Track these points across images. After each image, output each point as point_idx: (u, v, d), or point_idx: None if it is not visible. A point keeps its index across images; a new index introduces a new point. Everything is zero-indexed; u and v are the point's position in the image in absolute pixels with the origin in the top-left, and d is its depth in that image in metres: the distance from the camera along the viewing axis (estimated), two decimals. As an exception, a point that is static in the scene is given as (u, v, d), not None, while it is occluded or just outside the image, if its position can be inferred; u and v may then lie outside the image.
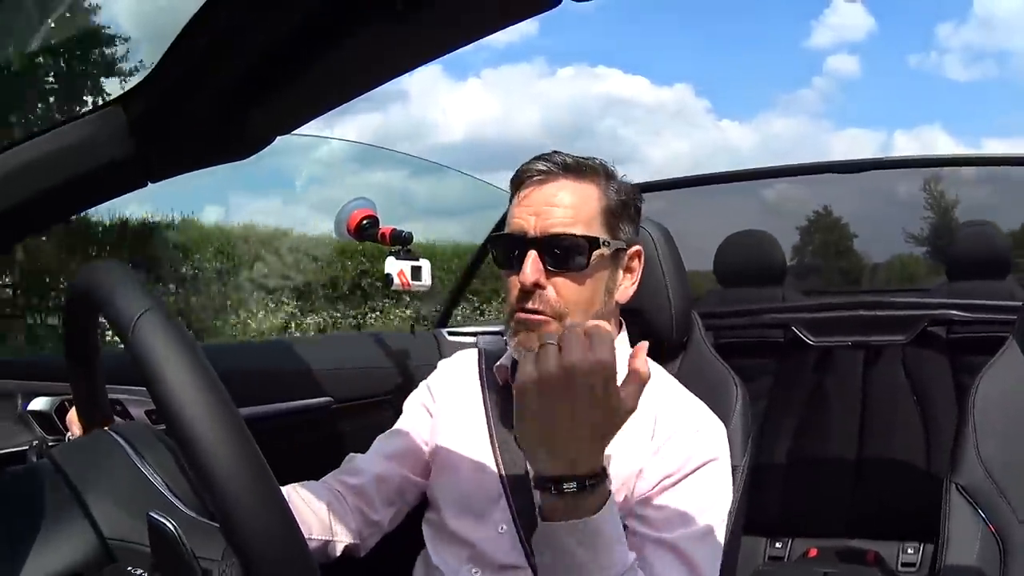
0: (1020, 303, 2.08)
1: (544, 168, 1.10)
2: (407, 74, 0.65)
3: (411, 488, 1.21)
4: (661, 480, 1.04)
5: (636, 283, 1.16)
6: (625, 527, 0.97)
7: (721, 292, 2.83)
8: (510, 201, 1.15)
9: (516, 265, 1.07)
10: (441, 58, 0.61)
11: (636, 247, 1.15)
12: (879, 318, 2.16)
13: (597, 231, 1.09)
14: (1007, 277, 2.68)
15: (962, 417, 1.38)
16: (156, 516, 0.58)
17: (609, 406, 0.81)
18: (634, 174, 1.26)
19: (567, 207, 1.07)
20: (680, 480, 1.04)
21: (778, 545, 2.24)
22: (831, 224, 7.86)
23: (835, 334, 2.19)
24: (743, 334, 2.24)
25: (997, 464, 1.32)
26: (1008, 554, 1.26)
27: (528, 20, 0.55)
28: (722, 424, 1.13)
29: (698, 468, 1.05)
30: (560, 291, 1.06)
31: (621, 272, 1.14)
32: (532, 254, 1.06)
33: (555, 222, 1.06)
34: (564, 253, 1.06)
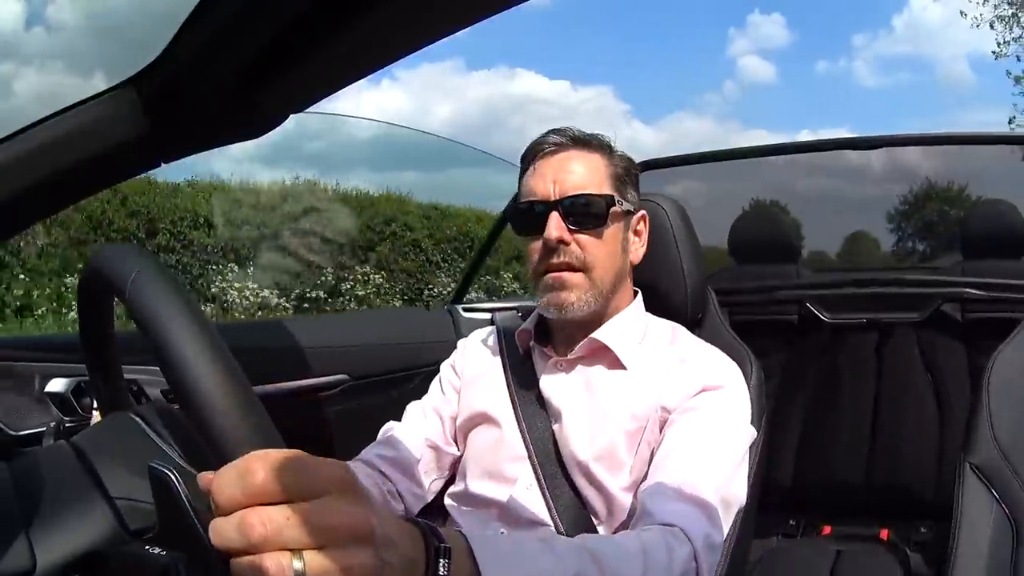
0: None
1: (556, 140, 1.19)
2: (421, 50, 0.64)
3: (446, 458, 1.27)
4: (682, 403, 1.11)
5: (644, 245, 1.24)
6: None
7: (734, 269, 2.81)
8: (521, 176, 1.22)
9: (539, 228, 1.14)
10: (455, 34, 0.61)
11: (641, 211, 1.23)
12: (893, 295, 2.15)
13: (609, 192, 1.17)
14: (1023, 257, 2.65)
15: (976, 396, 1.37)
16: (156, 466, 0.57)
17: None
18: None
19: (581, 172, 1.16)
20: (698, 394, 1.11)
21: (791, 522, 2.24)
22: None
23: (849, 311, 2.18)
24: (757, 311, 2.23)
25: (1011, 444, 1.31)
26: (1021, 534, 1.26)
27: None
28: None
29: (718, 388, 1.12)
30: (584, 246, 1.14)
31: (631, 234, 1.22)
32: (554, 214, 1.13)
33: (572, 185, 1.15)
34: (584, 211, 1.14)
